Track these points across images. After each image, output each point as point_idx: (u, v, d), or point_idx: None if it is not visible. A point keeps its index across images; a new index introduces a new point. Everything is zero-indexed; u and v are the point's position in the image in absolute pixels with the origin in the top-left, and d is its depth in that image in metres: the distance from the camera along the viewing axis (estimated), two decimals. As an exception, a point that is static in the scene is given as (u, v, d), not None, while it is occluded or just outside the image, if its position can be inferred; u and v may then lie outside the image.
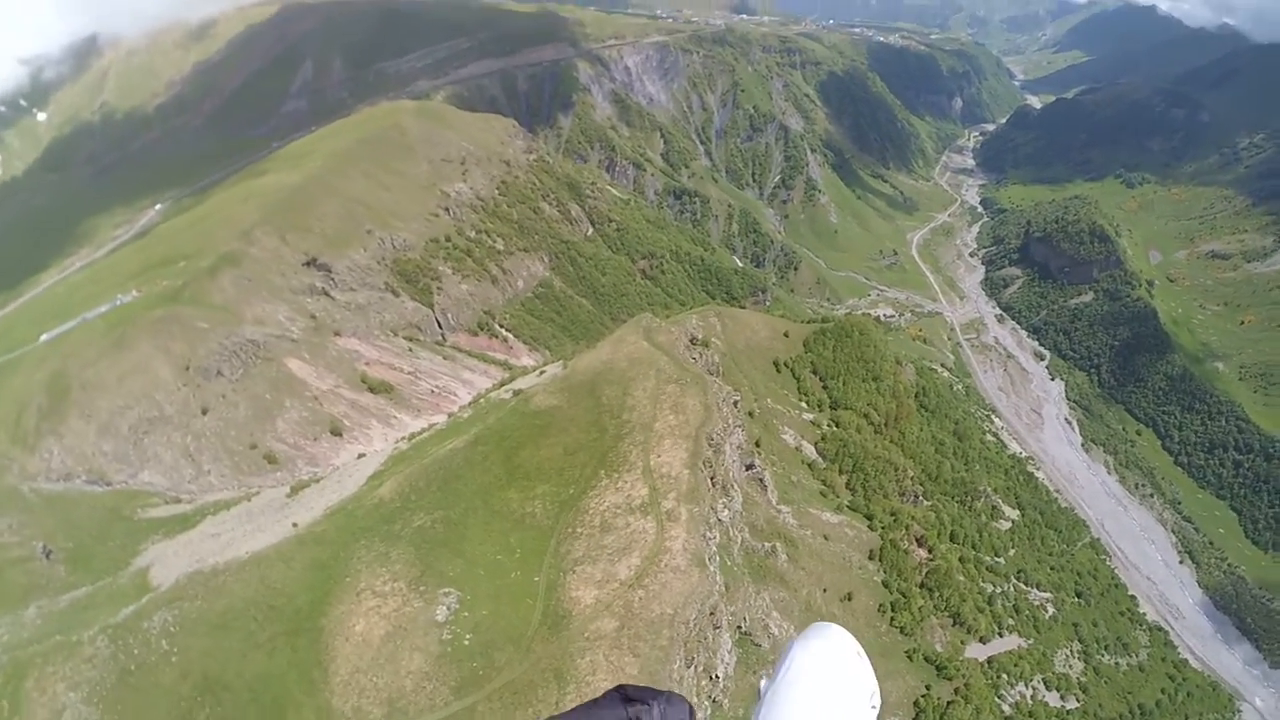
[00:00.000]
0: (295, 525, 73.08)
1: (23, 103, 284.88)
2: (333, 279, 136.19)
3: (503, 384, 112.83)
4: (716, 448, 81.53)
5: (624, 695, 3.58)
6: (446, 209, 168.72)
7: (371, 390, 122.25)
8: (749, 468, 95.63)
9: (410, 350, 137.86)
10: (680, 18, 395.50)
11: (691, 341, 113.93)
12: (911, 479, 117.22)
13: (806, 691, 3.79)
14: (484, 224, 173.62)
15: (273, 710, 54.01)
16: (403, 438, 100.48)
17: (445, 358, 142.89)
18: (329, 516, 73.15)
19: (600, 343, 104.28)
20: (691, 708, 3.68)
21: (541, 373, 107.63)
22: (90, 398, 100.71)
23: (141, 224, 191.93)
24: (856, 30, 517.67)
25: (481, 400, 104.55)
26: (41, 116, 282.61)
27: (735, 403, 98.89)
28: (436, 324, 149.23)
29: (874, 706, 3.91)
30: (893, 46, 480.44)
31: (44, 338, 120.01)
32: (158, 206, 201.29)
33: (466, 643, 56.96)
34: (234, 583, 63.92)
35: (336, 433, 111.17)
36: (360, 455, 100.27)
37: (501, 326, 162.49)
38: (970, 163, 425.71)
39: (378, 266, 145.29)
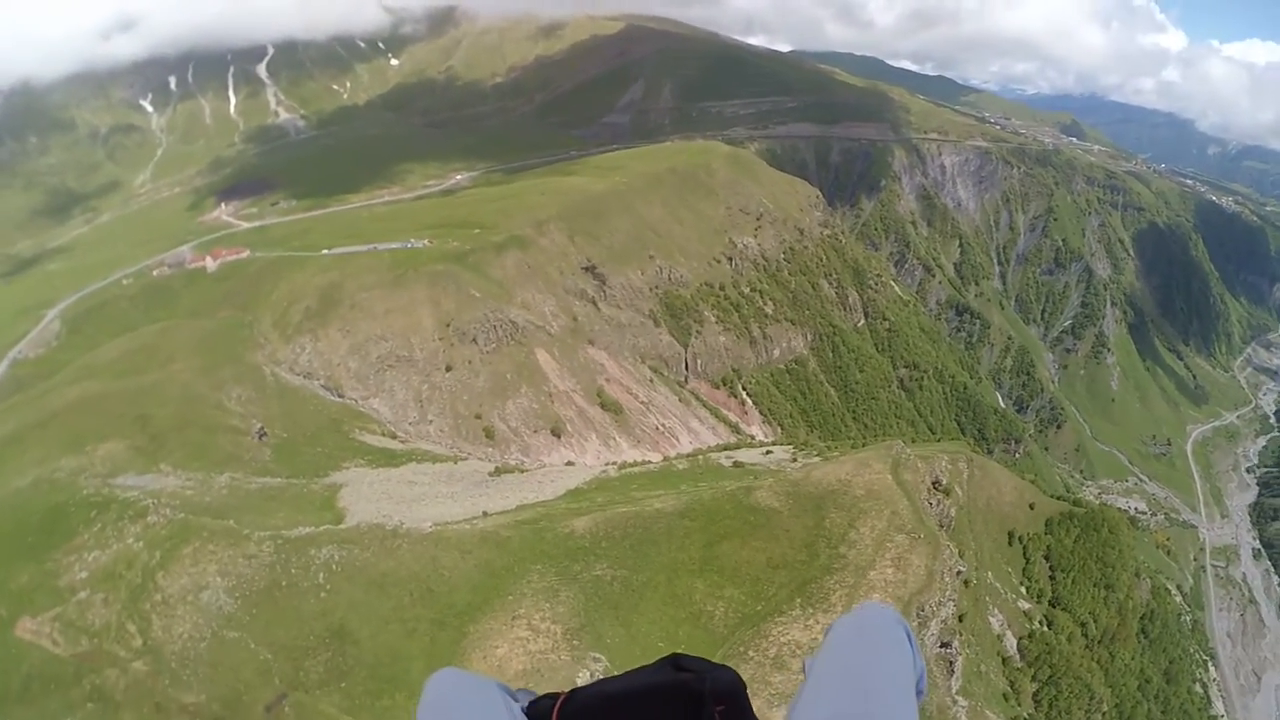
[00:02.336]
0: (485, 514, 67.90)
1: (380, 45, 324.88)
2: (604, 290, 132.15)
3: (727, 447, 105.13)
4: (924, 621, 68.06)
5: (676, 664, 3.47)
6: (730, 258, 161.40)
7: (602, 406, 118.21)
8: (944, 645, 77.04)
9: (651, 381, 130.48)
10: (1008, 126, 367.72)
11: (934, 485, 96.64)
12: (1104, 715, 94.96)
13: (849, 669, 3.47)
14: (760, 284, 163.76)
15: (386, 685, 50.15)
16: (614, 462, 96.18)
17: (681, 399, 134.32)
18: (518, 524, 65.27)
19: (843, 458, 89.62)
20: (741, 680, 3.43)
21: (769, 452, 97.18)
22: (354, 317, 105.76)
23: (449, 183, 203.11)
24: (1188, 181, 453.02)
25: (699, 456, 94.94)
26: (394, 62, 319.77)
27: (959, 573, 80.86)
28: (684, 365, 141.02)
29: (920, 690, 3.57)
30: (1223, 210, 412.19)
31: (327, 251, 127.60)
32: (468, 174, 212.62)
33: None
34: (408, 551, 58.81)
35: (556, 433, 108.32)
36: (569, 463, 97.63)
37: (744, 389, 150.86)
38: (1276, 363, 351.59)
39: (648, 292, 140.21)
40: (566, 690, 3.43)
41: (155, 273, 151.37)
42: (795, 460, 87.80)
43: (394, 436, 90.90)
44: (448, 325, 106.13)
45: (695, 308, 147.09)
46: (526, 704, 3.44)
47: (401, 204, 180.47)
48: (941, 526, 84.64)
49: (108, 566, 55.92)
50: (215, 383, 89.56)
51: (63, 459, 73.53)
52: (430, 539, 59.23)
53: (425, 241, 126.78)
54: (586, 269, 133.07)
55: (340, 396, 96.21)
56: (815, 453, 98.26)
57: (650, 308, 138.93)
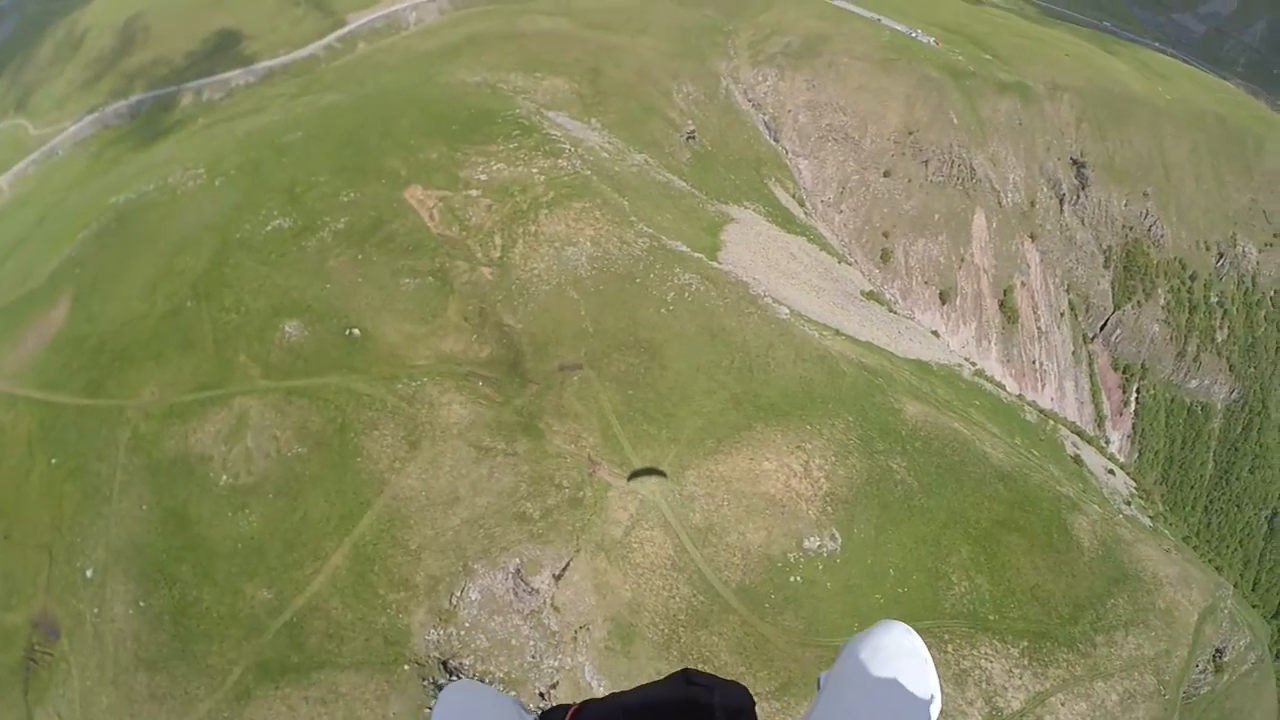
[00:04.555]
0: (838, 332, 61.54)
1: None
2: (1080, 195, 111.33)
3: (1080, 434, 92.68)
4: None
5: (687, 678, 3.61)
6: (1241, 250, 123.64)
7: (1001, 306, 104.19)
8: None
9: (1061, 315, 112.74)
10: None
11: (1216, 654, 72.43)
12: None
13: (863, 688, 3.57)
14: (1246, 309, 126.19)
15: (654, 424, 47.66)
16: (973, 362, 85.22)
17: (1074, 354, 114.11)
18: (860, 366, 58.21)
19: (1170, 552, 70.81)
20: (751, 696, 3.63)
21: (1112, 471, 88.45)
22: (826, 76, 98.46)
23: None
24: None
25: (1048, 421, 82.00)
26: None
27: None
28: (1102, 324, 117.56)
29: (934, 712, 3.63)
30: None
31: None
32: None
33: None
34: (753, 324, 54.52)
35: (943, 298, 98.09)
36: (934, 332, 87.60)
37: (1139, 392, 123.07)
38: None
39: (1122, 229, 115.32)
40: (578, 702, 3.46)
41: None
42: (1130, 504, 74.10)
43: (801, 204, 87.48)
44: (910, 134, 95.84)
45: (1153, 278, 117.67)
46: (537, 716, 3.39)
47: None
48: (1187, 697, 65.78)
49: (505, 181, 58.72)
50: (672, 71, 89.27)
51: (512, 74, 77.70)
52: (778, 326, 54.78)
53: (932, 40, 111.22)
54: (1075, 162, 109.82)
55: (775, 140, 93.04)
56: (1151, 514, 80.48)
57: (1110, 244, 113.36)
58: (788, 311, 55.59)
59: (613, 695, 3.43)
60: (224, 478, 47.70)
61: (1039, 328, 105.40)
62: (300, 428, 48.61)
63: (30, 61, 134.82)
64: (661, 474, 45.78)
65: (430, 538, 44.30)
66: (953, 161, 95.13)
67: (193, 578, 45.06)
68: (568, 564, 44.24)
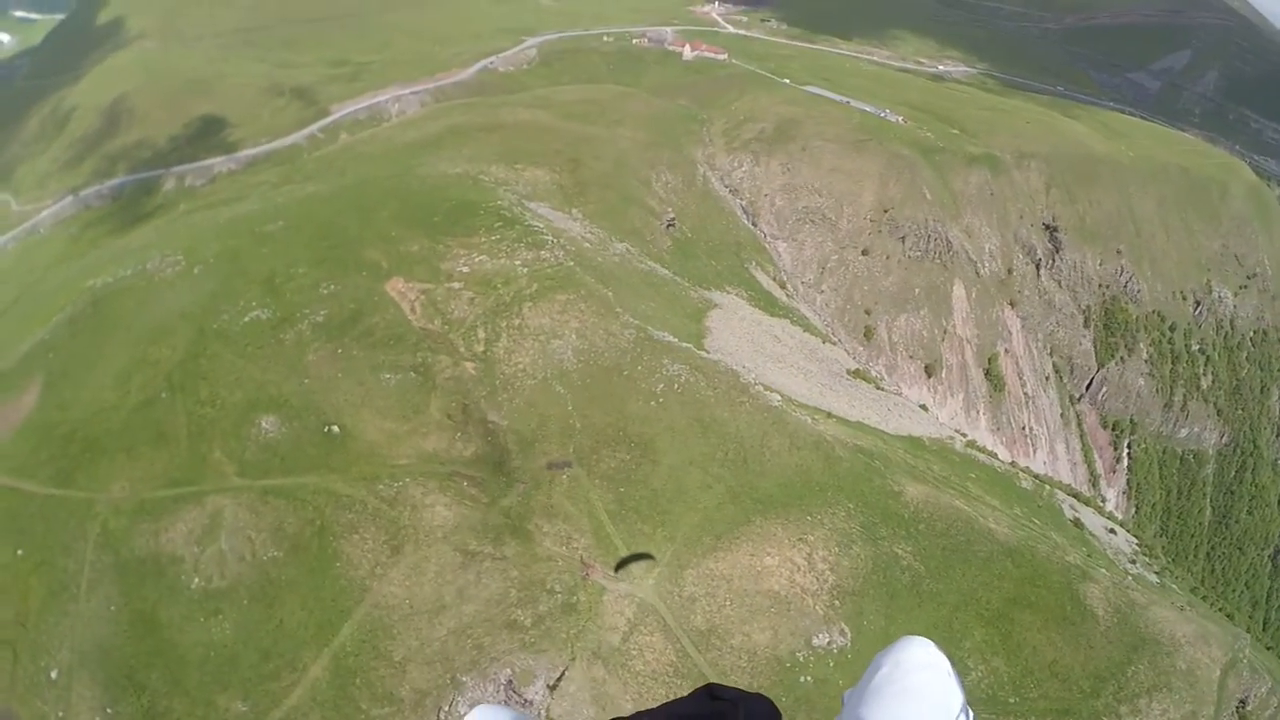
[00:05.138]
0: (830, 414, 59.89)
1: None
2: (1054, 260, 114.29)
3: (1078, 495, 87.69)
4: None
5: (711, 693, 3.58)
6: (1199, 302, 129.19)
7: (987, 374, 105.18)
8: None
9: (1047, 379, 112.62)
10: None
11: (1240, 706, 71.28)
12: None
13: (887, 702, 3.54)
14: (1213, 350, 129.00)
15: (656, 515, 46.36)
16: (964, 434, 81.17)
17: (1063, 415, 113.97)
18: (855, 449, 57.18)
19: (1185, 608, 69.93)
20: (776, 708, 3.62)
21: (1113, 531, 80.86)
22: (800, 160, 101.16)
23: (940, 68, 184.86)
24: None
25: (1045, 486, 79.75)
26: None
27: None
28: (1087, 383, 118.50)
29: None
30: None
31: (799, 86, 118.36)
32: (964, 68, 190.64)
33: None
34: (746, 413, 53.95)
35: (929, 371, 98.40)
36: (923, 406, 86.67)
37: (1130, 446, 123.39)
38: None
39: (1094, 288, 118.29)
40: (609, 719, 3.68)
41: (635, 41, 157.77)
42: (1135, 563, 73.42)
43: (783, 286, 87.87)
44: (885, 211, 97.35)
45: (1134, 332, 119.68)
46: None
47: (887, 70, 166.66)
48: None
49: (488, 273, 58.01)
50: (650, 160, 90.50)
51: (493, 166, 78.15)
52: (770, 414, 53.94)
53: (900, 119, 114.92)
54: (1047, 227, 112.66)
55: (754, 224, 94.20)
56: (1156, 570, 79.44)
57: (1088, 304, 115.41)
58: (779, 398, 54.73)
59: (638, 714, 3.41)
60: (196, 580, 45.12)
61: (1026, 393, 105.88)
62: (276, 529, 46.38)
63: (15, 137, 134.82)
64: (650, 557, 44.02)
65: (415, 648, 41.83)
66: (929, 236, 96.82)
67: (162, 686, 42.12)
68: (563, 673, 41.87)
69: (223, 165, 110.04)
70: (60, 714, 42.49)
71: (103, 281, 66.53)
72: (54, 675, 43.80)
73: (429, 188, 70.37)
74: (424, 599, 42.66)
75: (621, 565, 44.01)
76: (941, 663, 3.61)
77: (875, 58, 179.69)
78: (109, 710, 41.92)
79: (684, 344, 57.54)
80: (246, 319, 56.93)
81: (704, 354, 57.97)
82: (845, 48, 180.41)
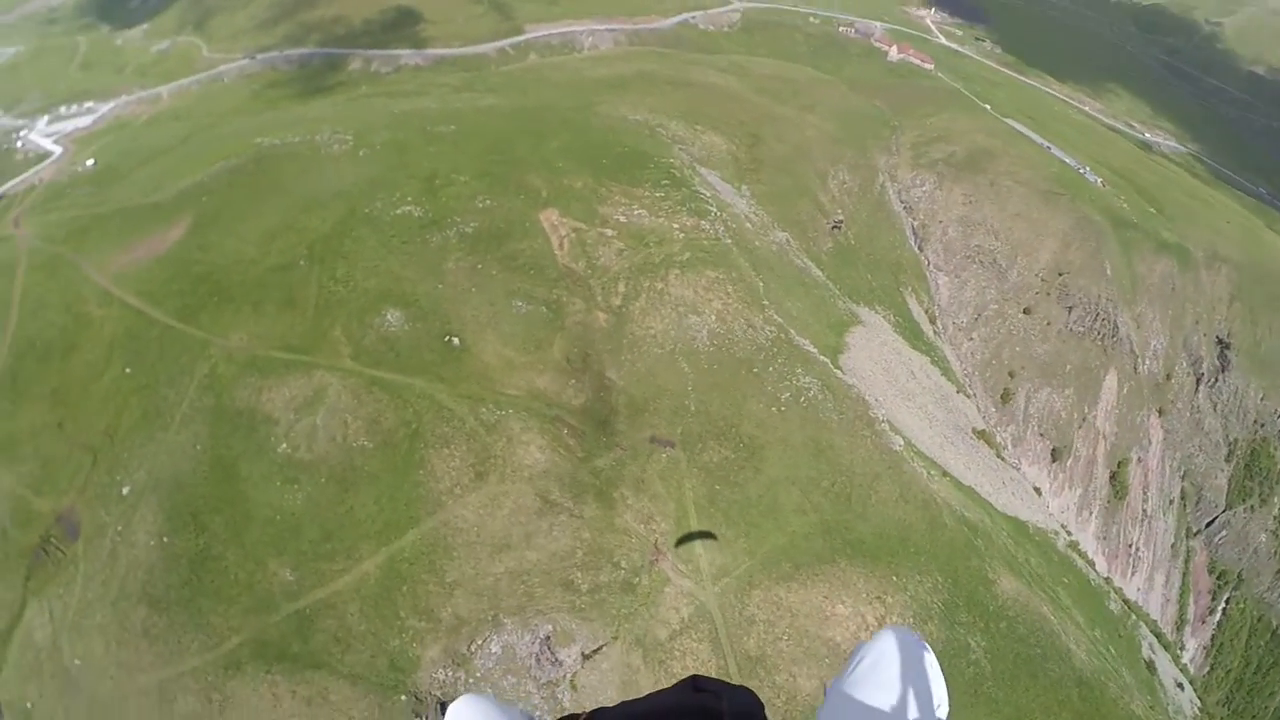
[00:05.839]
0: (944, 473, 57.26)
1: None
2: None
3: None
4: None
5: (695, 685, 3.62)
6: None
7: (1112, 478, 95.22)
8: None
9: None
10: None
11: None
12: None
13: (871, 694, 3.55)
14: None
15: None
16: (1068, 531, 79.98)
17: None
18: (961, 519, 53.65)
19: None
20: (759, 700, 3.67)
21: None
22: (984, 194, 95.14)
23: (1149, 136, 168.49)
24: None
25: None
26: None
27: None
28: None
29: (942, 715, 3.61)
30: None
31: (1003, 119, 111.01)
32: (1177, 145, 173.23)
33: None
34: (866, 446, 50.96)
35: (1056, 454, 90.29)
36: (1036, 488, 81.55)
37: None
38: None
39: None
40: (588, 711, 3.39)
41: (841, 28, 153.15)
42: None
43: (932, 321, 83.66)
44: (1060, 275, 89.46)
45: (1274, 483, 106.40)
46: None
47: (1096, 124, 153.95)
48: None
49: (644, 229, 56.56)
50: (831, 155, 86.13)
51: (673, 122, 76.36)
52: (888, 458, 50.47)
53: (1099, 180, 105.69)
54: (1220, 341, 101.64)
55: (919, 249, 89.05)
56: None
57: (1237, 437, 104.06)
58: (902, 442, 51.24)
59: (622, 704, 3.38)
60: (284, 446, 46.45)
61: (1145, 510, 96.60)
62: (373, 420, 47.07)
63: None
64: (713, 537, 42.25)
65: (469, 576, 41.78)
66: (1097, 314, 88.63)
67: (222, 532, 43.73)
68: (601, 647, 41.01)
69: (410, 59, 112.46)
70: (119, 529, 44.67)
71: (270, 142, 69.03)
72: (125, 491, 46.19)
73: (605, 128, 69.35)
74: (492, 532, 42.44)
75: (683, 541, 42.57)
76: (923, 653, 3.55)
77: (1086, 107, 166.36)
78: (165, 539, 43.78)
79: (822, 357, 54.86)
80: (398, 211, 57.78)
81: (838, 373, 54.97)
82: (1057, 88, 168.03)
